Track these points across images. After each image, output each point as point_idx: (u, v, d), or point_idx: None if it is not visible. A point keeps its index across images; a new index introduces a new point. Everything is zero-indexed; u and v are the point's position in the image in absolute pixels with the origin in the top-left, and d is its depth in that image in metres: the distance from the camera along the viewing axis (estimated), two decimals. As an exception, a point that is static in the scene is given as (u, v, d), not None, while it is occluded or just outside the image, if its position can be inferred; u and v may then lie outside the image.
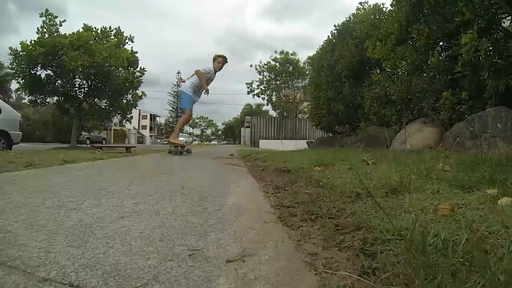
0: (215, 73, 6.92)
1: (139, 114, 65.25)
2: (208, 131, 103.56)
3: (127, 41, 12.76)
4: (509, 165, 1.81)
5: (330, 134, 12.15)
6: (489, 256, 0.67)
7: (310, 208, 1.34)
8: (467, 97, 4.30)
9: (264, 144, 24.33)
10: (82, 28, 11.82)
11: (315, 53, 11.67)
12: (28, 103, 13.79)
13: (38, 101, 12.08)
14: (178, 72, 77.82)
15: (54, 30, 11.33)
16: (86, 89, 12.10)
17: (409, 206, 1.20)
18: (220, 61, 6.97)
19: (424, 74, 5.15)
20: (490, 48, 3.92)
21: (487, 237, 0.82)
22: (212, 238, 1.11)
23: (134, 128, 57.12)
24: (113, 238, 1.07)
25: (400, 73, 6.00)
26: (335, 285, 0.71)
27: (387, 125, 6.41)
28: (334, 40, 9.88)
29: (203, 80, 6.60)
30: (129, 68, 12.83)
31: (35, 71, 11.36)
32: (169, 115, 79.41)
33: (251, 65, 36.35)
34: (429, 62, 4.99)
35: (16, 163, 3.48)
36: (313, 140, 13.32)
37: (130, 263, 0.87)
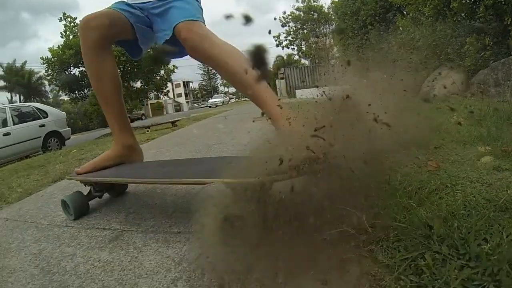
0: None
1: (172, 84, 66.13)
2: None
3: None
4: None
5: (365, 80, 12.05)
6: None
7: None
8: (491, 43, 4.25)
9: (301, 94, 24.06)
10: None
11: (337, -1, 11.32)
12: (70, 101, 14.72)
13: (78, 97, 12.83)
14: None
15: (76, 30, 11.79)
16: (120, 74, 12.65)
17: (408, 161, 1.41)
18: None
19: (448, 20, 5.05)
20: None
21: (447, 187, 1.09)
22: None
23: (170, 98, 58.30)
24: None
25: (423, 19, 5.87)
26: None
27: (415, 70, 6.39)
28: (355, -14, 9.55)
29: None
30: (157, 45, 13.14)
31: (69, 72, 12.01)
32: (201, 78, 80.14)
33: (275, 18, 35.55)
34: (451, 7, 4.87)
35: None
36: (347, 87, 13.24)
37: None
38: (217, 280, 0.79)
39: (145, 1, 1.57)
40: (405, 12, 6.82)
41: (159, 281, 0.83)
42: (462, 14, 4.69)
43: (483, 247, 0.66)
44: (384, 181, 1.19)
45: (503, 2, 3.76)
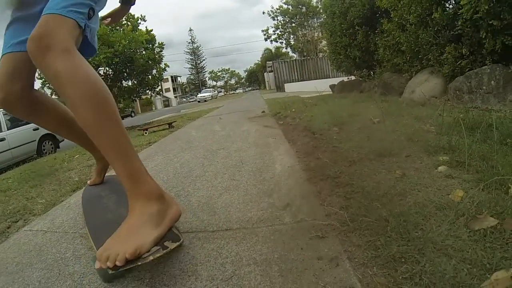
0: None
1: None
2: (232, 81, 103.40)
3: (140, 21, 13.05)
4: (472, 132, 2.19)
5: (353, 77, 12.44)
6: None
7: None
8: (468, 53, 4.63)
9: (290, 88, 24.56)
10: (95, 22, 12.15)
11: (326, -4, 11.62)
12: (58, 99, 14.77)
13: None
14: (190, 30, 76.70)
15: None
16: (111, 75, 12.55)
17: (382, 169, 1.77)
18: None
19: (430, 28, 5.43)
20: (487, 9, 4.08)
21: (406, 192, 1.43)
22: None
23: (158, 94, 57.80)
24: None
25: (407, 25, 6.24)
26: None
27: (399, 72, 6.84)
28: (344, -14, 9.87)
29: None
30: (148, 45, 13.21)
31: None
32: (189, 73, 79.88)
33: (263, 12, 35.89)
34: (433, 17, 5.23)
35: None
36: (336, 84, 13.56)
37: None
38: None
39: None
40: (389, 17, 7.15)
41: (212, 266, 1.11)
42: (443, 25, 5.06)
43: (416, 233, 1.03)
44: (361, 186, 1.56)
45: (480, 17, 4.12)
